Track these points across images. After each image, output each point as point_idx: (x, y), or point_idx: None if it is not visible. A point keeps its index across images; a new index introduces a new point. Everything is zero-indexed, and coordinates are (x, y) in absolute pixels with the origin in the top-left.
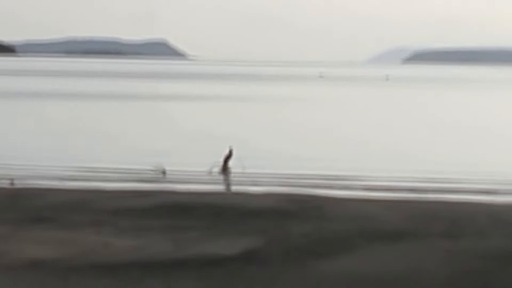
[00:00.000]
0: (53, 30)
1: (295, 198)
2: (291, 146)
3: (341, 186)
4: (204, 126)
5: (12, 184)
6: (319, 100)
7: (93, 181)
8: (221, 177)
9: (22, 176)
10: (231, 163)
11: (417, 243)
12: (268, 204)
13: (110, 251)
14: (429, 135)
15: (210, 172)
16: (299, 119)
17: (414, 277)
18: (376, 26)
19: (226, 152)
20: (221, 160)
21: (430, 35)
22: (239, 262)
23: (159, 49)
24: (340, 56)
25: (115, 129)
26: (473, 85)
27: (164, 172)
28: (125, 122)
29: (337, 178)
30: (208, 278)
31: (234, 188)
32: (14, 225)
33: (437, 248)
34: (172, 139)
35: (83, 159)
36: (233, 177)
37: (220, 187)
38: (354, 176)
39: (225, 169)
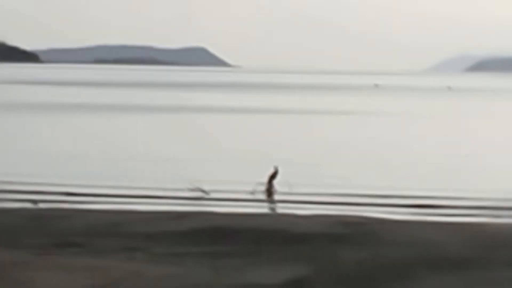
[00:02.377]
0: (80, 37)
1: (346, 221)
2: (342, 164)
3: (398, 207)
4: (247, 141)
5: (35, 204)
6: (373, 112)
7: (124, 202)
8: (265, 198)
9: (47, 195)
10: (276, 182)
11: (484, 272)
12: (317, 227)
13: (143, 280)
14: (496, 151)
15: (253, 193)
16: (351, 134)
17: None
18: (438, 31)
19: (271, 170)
20: (266, 179)
21: (498, 43)
22: None
23: (198, 57)
24: (396, 64)
25: (149, 144)
26: None
27: (202, 192)
28: (160, 136)
29: (393, 197)
30: None
31: (279, 210)
32: (37, 250)
33: (506, 279)
34: (212, 155)
35: (114, 178)
36: (278, 198)
37: (264, 209)
38: (412, 196)
39: (269, 189)
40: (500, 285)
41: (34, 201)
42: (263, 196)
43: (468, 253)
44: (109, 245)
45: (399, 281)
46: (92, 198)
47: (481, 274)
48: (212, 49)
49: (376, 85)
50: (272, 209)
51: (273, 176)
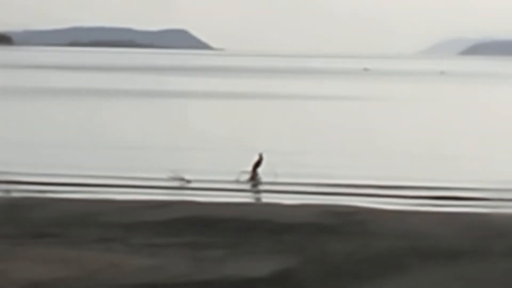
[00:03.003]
0: (55, 18)
1: (335, 211)
2: (329, 152)
3: (388, 196)
4: (230, 128)
5: (8, 193)
6: (362, 98)
7: (101, 191)
8: (249, 186)
9: (20, 184)
10: (260, 171)
11: (478, 264)
12: (304, 217)
13: (120, 272)
14: (491, 137)
15: (236, 181)
16: (339, 121)
17: None
18: (430, 13)
19: (256, 158)
20: (250, 167)
21: (495, 25)
22: (270, 285)
23: (179, 40)
24: (387, 47)
25: (127, 131)
26: None
27: (183, 181)
28: (138, 122)
29: (384, 187)
30: None
31: (264, 199)
32: (10, 241)
33: (500, 270)
34: (193, 142)
35: (90, 166)
36: (263, 187)
37: (248, 198)
38: (403, 186)
39: (253, 177)
40: (495, 277)
41: (7, 190)
42: (247, 185)
43: (462, 244)
44: (85, 235)
45: (390, 273)
46: (67, 187)
47: (475, 265)
48: (193, 32)
49: (366, 69)
50: (257, 198)
51: (257, 164)
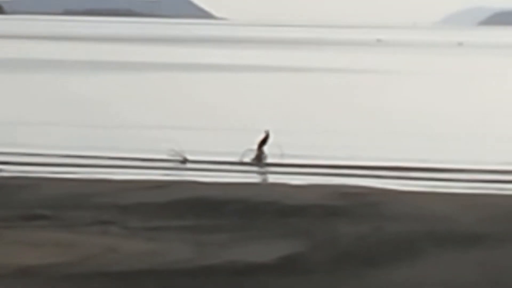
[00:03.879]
0: None
1: (346, 192)
2: (340, 130)
3: (402, 177)
4: (234, 103)
5: None
6: (375, 71)
7: (97, 171)
8: (255, 166)
9: (11, 162)
10: (266, 149)
11: (498, 249)
12: (313, 199)
13: (117, 257)
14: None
15: (241, 160)
16: (351, 95)
17: None
18: None
19: (262, 136)
20: (255, 146)
21: None
22: (276, 271)
23: (179, 8)
24: (401, 17)
25: (125, 108)
26: None
27: (184, 160)
28: (136, 97)
29: (398, 169)
30: None
31: (270, 179)
32: (0, 223)
33: None
34: (194, 119)
35: (85, 144)
36: (269, 167)
37: (254, 179)
38: (418, 167)
39: (259, 156)
40: None
41: None
42: (252, 164)
43: (481, 228)
44: (79, 218)
45: (404, 258)
46: (61, 168)
47: (496, 251)
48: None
49: (379, 40)
50: (263, 178)
51: (263, 142)
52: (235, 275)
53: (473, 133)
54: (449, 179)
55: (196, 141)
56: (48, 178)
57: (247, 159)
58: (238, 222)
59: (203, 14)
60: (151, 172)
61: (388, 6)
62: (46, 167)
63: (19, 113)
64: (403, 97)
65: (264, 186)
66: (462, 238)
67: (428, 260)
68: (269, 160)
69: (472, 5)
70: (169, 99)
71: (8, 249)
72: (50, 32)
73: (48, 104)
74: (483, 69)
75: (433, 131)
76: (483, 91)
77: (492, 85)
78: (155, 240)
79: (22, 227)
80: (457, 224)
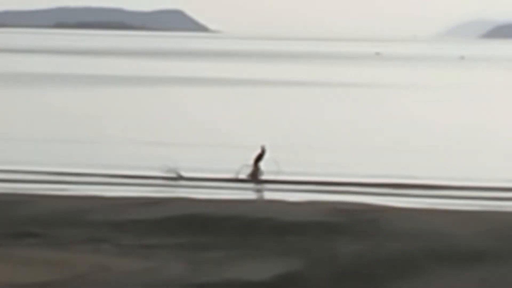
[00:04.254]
0: None
1: (343, 209)
2: (338, 146)
3: (401, 195)
4: (229, 118)
5: None
6: (374, 85)
7: (89, 188)
8: (251, 182)
9: (2, 179)
10: (263, 165)
11: (500, 266)
12: (310, 216)
13: (110, 276)
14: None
15: (237, 176)
16: (349, 110)
17: None
18: None
19: (258, 151)
20: (251, 161)
21: None
22: None
23: (173, 21)
24: (401, 30)
25: (117, 123)
26: None
27: (179, 177)
28: (129, 112)
29: (396, 186)
30: None
31: (266, 196)
32: None
33: None
34: (188, 135)
35: (77, 160)
36: (265, 183)
37: (250, 195)
38: (416, 184)
39: (255, 172)
40: None
41: None
42: (248, 180)
43: (482, 245)
44: (72, 235)
45: (403, 277)
46: (52, 185)
47: (496, 268)
48: (189, 12)
49: (378, 54)
50: (259, 195)
51: (259, 158)
52: None
53: (474, 149)
54: (448, 196)
55: (190, 157)
56: (39, 195)
57: (242, 175)
58: (234, 240)
59: (197, 27)
60: (145, 189)
61: (387, 19)
62: (37, 184)
63: (10, 126)
64: (403, 112)
65: (260, 202)
66: (462, 255)
67: (428, 277)
68: (266, 176)
69: (474, 18)
70: (162, 113)
71: None
72: (41, 45)
73: (37, 119)
74: (485, 83)
75: (433, 147)
76: (486, 105)
77: (494, 99)
78: (149, 258)
79: (12, 245)
80: (457, 241)
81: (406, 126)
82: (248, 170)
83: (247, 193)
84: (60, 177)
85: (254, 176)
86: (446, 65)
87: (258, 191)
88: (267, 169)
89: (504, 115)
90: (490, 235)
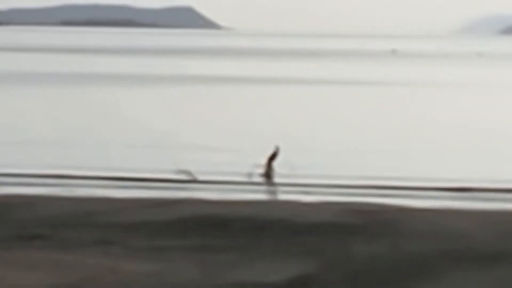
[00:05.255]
0: None
1: (359, 209)
2: (354, 145)
3: (417, 196)
4: (242, 116)
5: None
6: (390, 83)
7: (97, 188)
8: (264, 182)
9: (6, 181)
10: (276, 164)
11: None
12: (324, 216)
13: (119, 279)
14: None
15: (249, 176)
16: (364, 108)
17: None
18: None
19: (271, 151)
20: (264, 161)
21: None
22: None
23: (183, 18)
24: (417, 26)
25: (126, 121)
26: None
27: (189, 176)
28: (139, 110)
29: (411, 182)
30: None
31: (280, 196)
32: None
33: None
34: (200, 133)
35: (84, 160)
36: (279, 183)
37: (262, 196)
38: (435, 186)
39: (268, 172)
40: None
41: None
42: (261, 181)
43: (502, 245)
44: (80, 237)
45: (421, 278)
46: (59, 185)
47: None
48: (199, 9)
49: (394, 51)
50: (272, 195)
51: (272, 157)
52: None
53: (492, 149)
54: (468, 197)
55: (203, 154)
56: (45, 197)
57: (255, 176)
58: (246, 241)
59: (208, 24)
60: (156, 192)
61: (403, 15)
62: (43, 187)
63: (15, 125)
64: (419, 110)
65: (273, 203)
66: (481, 257)
67: (446, 279)
68: (279, 178)
69: (491, 14)
70: (173, 112)
71: (3, 271)
72: (47, 43)
73: (44, 120)
74: (503, 81)
75: (451, 147)
76: (504, 103)
77: None
78: (159, 261)
79: (17, 248)
80: (476, 242)
81: (423, 125)
82: (261, 170)
83: (259, 193)
84: (68, 180)
85: (267, 177)
86: (463, 62)
87: (271, 192)
88: (280, 171)
89: None
90: (510, 236)
